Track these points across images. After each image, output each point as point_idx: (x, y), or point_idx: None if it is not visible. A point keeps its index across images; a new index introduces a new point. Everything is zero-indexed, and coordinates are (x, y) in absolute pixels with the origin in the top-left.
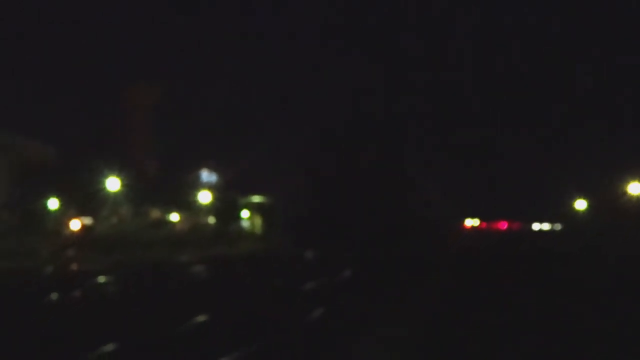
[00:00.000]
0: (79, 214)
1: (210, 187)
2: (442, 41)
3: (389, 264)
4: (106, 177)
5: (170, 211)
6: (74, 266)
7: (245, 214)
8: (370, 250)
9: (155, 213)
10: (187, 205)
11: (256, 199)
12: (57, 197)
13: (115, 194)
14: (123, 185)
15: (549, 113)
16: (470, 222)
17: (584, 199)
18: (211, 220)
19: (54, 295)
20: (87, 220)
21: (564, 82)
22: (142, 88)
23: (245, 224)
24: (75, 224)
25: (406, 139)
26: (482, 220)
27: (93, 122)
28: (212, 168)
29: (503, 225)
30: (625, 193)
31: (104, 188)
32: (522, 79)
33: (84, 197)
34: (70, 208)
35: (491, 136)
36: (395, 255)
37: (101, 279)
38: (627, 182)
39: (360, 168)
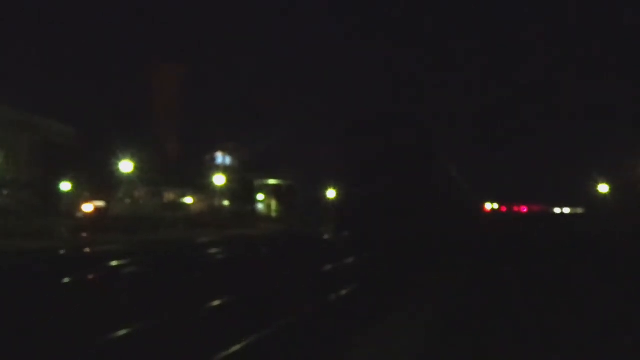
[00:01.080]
0: (93, 196)
1: (225, 169)
2: (473, 28)
3: (418, 246)
4: (121, 158)
5: (185, 193)
6: (87, 249)
7: (260, 196)
8: (403, 233)
9: (169, 195)
10: (202, 188)
11: (272, 181)
12: (73, 178)
13: (130, 176)
14: (137, 167)
15: (571, 97)
16: (490, 206)
17: (606, 182)
18: (226, 202)
19: (69, 278)
20: (100, 203)
21: (589, 66)
22: (165, 67)
23: (260, 206)
24: (87, 207)
25: (436, 123)
26: (502, 204)
27: (114, 101)
28: (227, 150)
29: (523, 209)
30: None
31: (118, 170)
32: (545, 64)
33: (99, 179)
34: (85, 190)
35: (513, 121)
36: (424, 238)
37: (117, 261)
38: None
39: (395, 151)
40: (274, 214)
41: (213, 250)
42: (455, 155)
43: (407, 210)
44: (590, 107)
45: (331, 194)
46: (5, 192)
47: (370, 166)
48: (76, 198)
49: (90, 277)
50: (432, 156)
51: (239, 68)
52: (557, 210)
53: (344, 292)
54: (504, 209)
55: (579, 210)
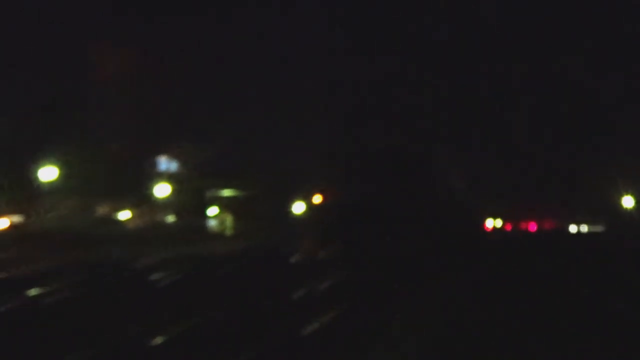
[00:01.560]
0: (9, 208)
1: (170, 177)
2: (473, 28)
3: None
4: (44, 165)
5: (121, 206)
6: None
7: (213, 210)
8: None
9: (103, 208)
10: (142, 199)
11: (228, 192)
12: None
13: (55, 184)
14: (64, 174)
15: (590, 94)
16: (491, 223)
17: (631, 195)
18: (171, 217)
19: None
20: (17, 217)
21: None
22: (105, 54)
23: (213, 222)
24: (1, 222)
25: (434, 125)
26: (506, 219)
27: (42, 93)
28: (173, 154)
29: (532, 226)
30: None
31: (40, 178)
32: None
33: (16, 190)
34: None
35: (518, 119)
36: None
37: (31, 290)
38: None
39: (387, 155)
40: (229, 231)
41: (155, 276)
42: (459, 161)
43: (392, 225)
44: (610, 106)
45: (300, 207)
46: None
47: (358, 171)
48: None
49: None
50: (430, 161)
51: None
52: (573, 227)
53: (317, 325)
54: (509, 226)
55: (599, 228)
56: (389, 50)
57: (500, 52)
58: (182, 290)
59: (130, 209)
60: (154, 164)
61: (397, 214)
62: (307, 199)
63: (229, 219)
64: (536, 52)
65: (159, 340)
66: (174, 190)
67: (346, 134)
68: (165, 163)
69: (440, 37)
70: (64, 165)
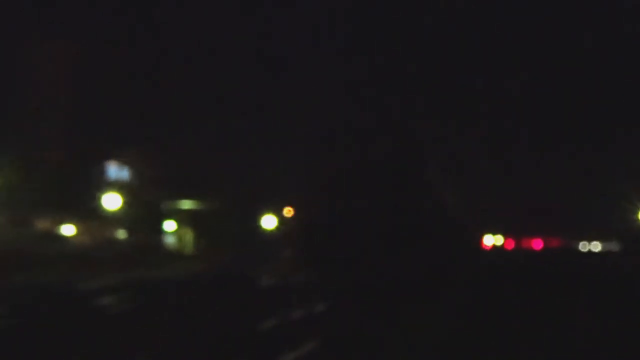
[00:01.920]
0: None
1: (121, 187)
2: (463, 36)
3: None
4: None
5: (63, 220)
6: None
7: (171, 225)
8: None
9: (43, 223)
10: (89, 213)
11: (188, 204)
12: None
13: None
14: None
15: (602, 96)
16: (491, 240)
17: None
18: (122, 233)
19: None
20: None
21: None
22: (42, 51)
23: (171, 238)
24: None
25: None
26: (507, 236)
27: None
28: (125, 160)
29: (537, 243)
30: None
31: None
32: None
33: None
34: None
35: (522, 124)
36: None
37: None
38: None
39: (371, 168)
40: (188, 250)
41: (101, 303)
42: (453, 171)
43: (376, 246)
44: (627, 113)
45: (270, 222)
46: None
47: (338, 184)
48: None
49: None
50: (420, 171)
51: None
52: (583, 245)
53: None
54: (510, 244)
55: (613, 246)
56: (375, 56)
57: (499, 56)
58: (132, 320)
59: (74, 223)
60: (102, 172)
61: (383, 233)
62: (278, 212)
63: (188, 236)
64: (537, 56)
65: None
66: (125, 202)
67: (324, 144)
68: (115, 171)
69: (430, 44)
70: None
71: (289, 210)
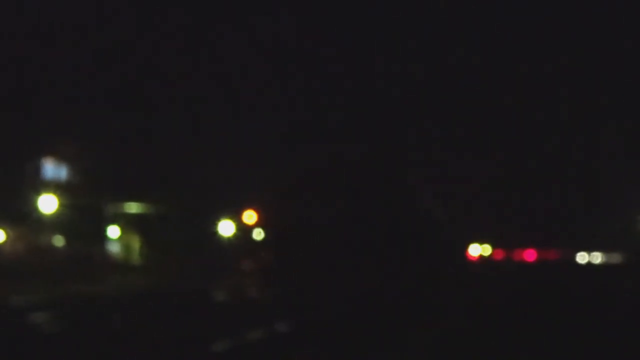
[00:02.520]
0: None
1: (58, 187)
2: (448, 39)
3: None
4: None
5: None
6: None
7: (114, 231)
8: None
9: None
10: (21, 217)
11: (134, 207)
12: None
13: None
14: None
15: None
16: (478, 250)
17: None
18: (59, 240)
19: None
20: None
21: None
22: None
23: (115, 247)
24: None
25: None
26: (496, 246)
27: None
28: (62, 157)
29: (530, 255)
30: None
31: None
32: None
33: None
34: None
35: (514, 124)
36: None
37: None
38: None
39: (345, 170)
40: (135, 260)
41: (33, 320)
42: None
43: (348, 258)
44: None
45: (227, 228)
46: None
47: (309, 189)
48: None
49: None
50: (399, 178)
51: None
52: (581, 257)
53: None
54: (499, 254)
55: (616, 258)
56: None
57: (489, 59)
58: (65, 342)
59: (4, 228)
60: (37, 170)
61: (356, 243)
62: (236, 217)
63: (135, 244)
64: (535, 54)
65: None
66: (62, 205)
67: (288, 142)
68: (51, 169)
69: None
70: None
71: (250, 216)
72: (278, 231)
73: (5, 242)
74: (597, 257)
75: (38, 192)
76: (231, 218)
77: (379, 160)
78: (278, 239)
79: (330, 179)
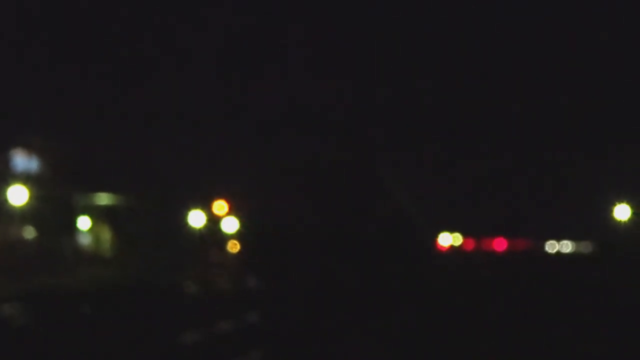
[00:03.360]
0: None
1: (28, 179)
2: (415, 31)
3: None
4: None
5: None
6: None
7: (85, 222)
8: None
9: None
10: None
11: (104, 198)
12: None
13: None
14: None
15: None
16: (448, 240)
17: (627, 204)
18: (29, 232)
19: None
20: None
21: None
22: None
23: (86, 238)
24: None
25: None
26: (466, 235)
27: None
28: (32, 149)
29: (500, 244)
30: None
31: None
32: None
33: None
34: None
35: (486, 107)
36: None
37: None
38: None
39: (317, 167)
40: (106, 252)
41: (2, 312)
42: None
43: (315, 249)
44: (601, 102)
45: (198, 218)
46: None
47: (284, 184)
48: None
49: None
50: (370, 172)
51: None
52: (551, 245)
53: None
54: (469, 244)
55: (586, 247)
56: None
57: (456, 52)
58: (37, 335)
59: None
60: (6, 162)
61: (330, 237)
62: (207, 208)
63: (105, 235)
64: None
65: None
66: (33, 197)
67: (261, 136)
68: (22, 161)
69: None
70: None
71: (220, 206)
72: (255, 224)
73: None
74: (567, 246)
75: (7, 184)
76: (201, 209)
77: (351, 158)
78: (255, 233)
79: (308, 177)
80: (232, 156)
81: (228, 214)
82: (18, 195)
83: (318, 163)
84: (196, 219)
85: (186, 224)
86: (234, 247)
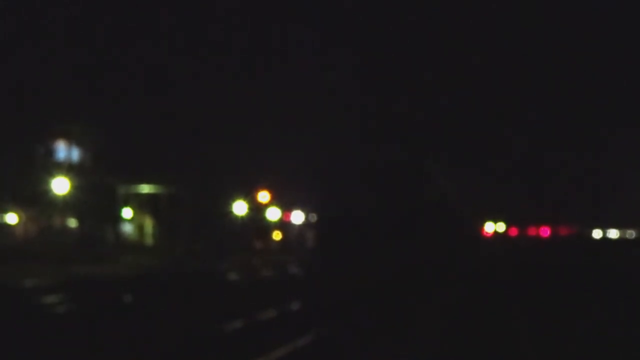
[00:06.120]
0: None
1: (70, 168)
2: (461, 37)
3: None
4: None
5: (5, 208)
6: None
7: (128, 212)
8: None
9: None
10: (33, 199)
11: (147, 188)
12: None
13: None
14: None
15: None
16: (492, 227)
17: None
18: (73, 222)
19: None
20: None
21: None
22: None
23: (128, 227)
24: None
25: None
26: (511, 223)
27: None
28: (73, 138)
29: (544, 231)
30: None
31: None
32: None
33: None
34: None
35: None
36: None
37: None
38: None
39: (379, 166)
40: (149, 240)
41: (47, 300)
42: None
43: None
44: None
45: (242, 208)
46: None
47: (350, 184)
48: None
49: None
50: (419, 167)
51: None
52: (597, 233)
53: None
54: (513, 231)
55: (632, 233)
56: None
57: (497, 56)
58: (78, 323)
59: (16, 211)
60: (49, 152)
61: (391, 230)
62: (250, 197)
63: (147, 224)
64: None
65: None
66: (75, 187)
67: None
68: (63, 150)
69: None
70: None
71: (264, 195)
72: (328, 219)
73: (17, 225)
74: (613, 233)
75: (50, 174)
76: (244, 198)
77: (407, 159)
78: (328, 226)
79: (371, 176)
80: (272, 149)
81: (270, 203)
82: (60, 185)
83: (379, 163)
84: (239, 207)
85: (229, 212)
86: (277, 235)
